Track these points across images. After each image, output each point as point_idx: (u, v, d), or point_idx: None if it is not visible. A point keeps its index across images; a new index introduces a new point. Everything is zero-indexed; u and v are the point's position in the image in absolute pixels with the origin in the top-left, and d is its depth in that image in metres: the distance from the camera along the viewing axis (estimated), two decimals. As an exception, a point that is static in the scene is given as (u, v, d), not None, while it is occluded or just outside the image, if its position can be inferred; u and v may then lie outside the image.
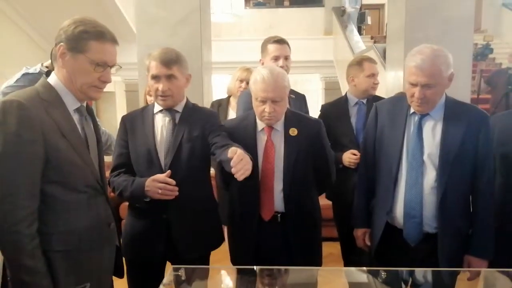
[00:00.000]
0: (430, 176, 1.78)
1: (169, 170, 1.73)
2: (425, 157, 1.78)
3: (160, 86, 1.76)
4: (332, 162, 2.05)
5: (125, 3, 6.66)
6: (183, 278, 1.52)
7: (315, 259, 1.99)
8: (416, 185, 1.78)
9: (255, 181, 1.84)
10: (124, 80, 8.10)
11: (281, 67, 2.26)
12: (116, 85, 8.71)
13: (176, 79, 1.78)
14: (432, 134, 1.79)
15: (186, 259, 1.74)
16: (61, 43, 1.34)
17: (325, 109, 2.76)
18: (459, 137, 1.74)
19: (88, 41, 1.34)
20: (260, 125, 1.90)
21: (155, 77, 1.77)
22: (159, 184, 1.69)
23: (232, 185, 1.94)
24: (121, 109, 8.97)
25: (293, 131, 1.89)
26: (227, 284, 1.70)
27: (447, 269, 1.74)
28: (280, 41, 2.37)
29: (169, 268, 1.57)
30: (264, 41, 2.43)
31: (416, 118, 1.82)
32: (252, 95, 1.85)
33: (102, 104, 9.08)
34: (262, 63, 2.42)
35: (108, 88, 1.56)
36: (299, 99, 2.56)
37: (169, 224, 1.79)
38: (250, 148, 1.82)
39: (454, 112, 1.78)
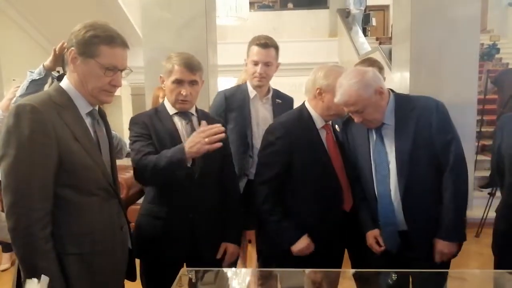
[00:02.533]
0: (394, 183, 1.79)
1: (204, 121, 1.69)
2: (390, 166, 1.80)
3: (184, 91, 1.78)
4: None
5: (131, 6, 6.70)
6: (193, 280, 1.53)
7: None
8: (386, 195, 1.81)
9: (334, 176, 1.90)
10: (130, 84, 8.14)
11: (259, 73, 2.22)
12: (122, 89, 8.73)
13: (197, 85, 1.83)
14: (391, 142, 1.80)
15: (206, 259, 1.77)
16: (72, 48, 1.36)
17: None
18: (411, 135, 1.74)
19: (98, 46, 1.34)
20: (320, 123, 1.94)
21: (179, 82, 1.79)
22: (202, 134, 1.60)
23: (302, 189, 1.90)
24: (127, 113, 9.00)
25: (338, 128, 2.03)
26: (239, 286, 1.71)
27: (456, 270, 1.74)
28: (264, 45, 2.23)
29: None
30: (251, 40, 2.30)
31: (374, 130, 1.84)
32: (331, 92, 1.84)
33: (108, 108, 9.07)
34: (246, 64, 2.34)
35: (114, 92, 1.57)
36: (286, 103, 2.44)
37: (194, 224, 1.79)
38: (319, 145, 1.90)
39: (403, 112, 1.79)
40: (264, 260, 2.08)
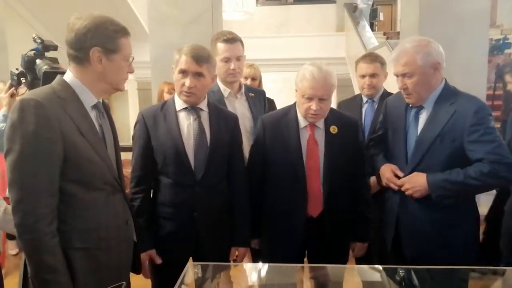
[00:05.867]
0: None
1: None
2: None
3: (187, 82, 1.75)
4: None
5: (137, 2, 6.71)
6: (199, 275, 1.54)
7: (344, 257, 2.01)
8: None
9: (302, 179, 1.85)
10: (137, 79, 8.16)
11: (233, 69, 2.14)
12: (128, 83, 8.74)
13: (204, 78, 1.77)
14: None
15: (210, 259, 1.75)
16: (97, 48, 1.33)
17: (341, 106, 2.73)
18: (440, 126, 1.68)
19: (119, 39, 1.37)
20: (303, 122, 1.89)
21: (184, 72, 1.76)
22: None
23: (273, 186, 1.92)
24: (133, 107, 9.06)
25: (334, 129, 1.89)
26: (245, 280, 1.71)
27: (461, 267, 1.72)
28: (231, 40, 2.14)
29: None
30: (213, 38, 2.21)
31: (413, 111, 1.79)
32: (298, 92, 1.84)
33: (115, 102, 9.16)
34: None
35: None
36: (259, 97, 2.38)
37: (198, 223, 1.79)
38: (295, 146, 1.85)
39: (443, 103, 1.72)
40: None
